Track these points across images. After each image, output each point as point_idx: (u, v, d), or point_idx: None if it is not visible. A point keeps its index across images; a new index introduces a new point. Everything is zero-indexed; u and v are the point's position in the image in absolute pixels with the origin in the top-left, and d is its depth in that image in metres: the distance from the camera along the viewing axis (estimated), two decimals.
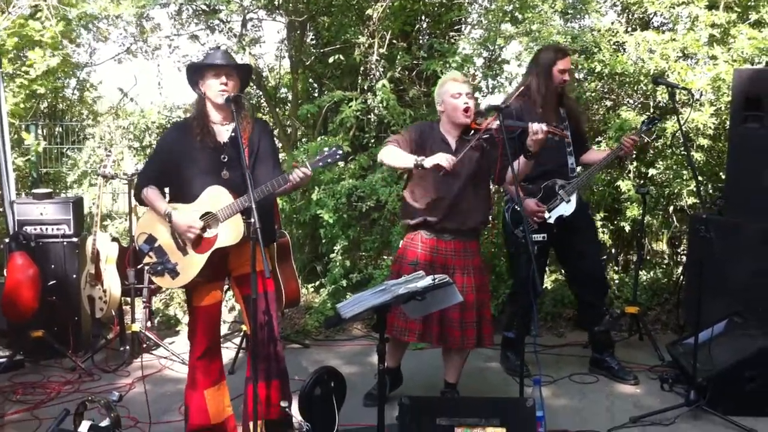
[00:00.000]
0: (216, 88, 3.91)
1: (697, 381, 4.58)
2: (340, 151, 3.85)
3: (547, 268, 6.18)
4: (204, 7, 7.97)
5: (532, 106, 5.13)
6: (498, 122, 4.31)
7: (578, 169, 5.33)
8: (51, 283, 5.72)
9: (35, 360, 5.64)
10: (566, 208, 5.13)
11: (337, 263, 6.70)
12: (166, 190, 4.10)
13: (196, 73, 4.00)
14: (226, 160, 3.93)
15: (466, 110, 4.47)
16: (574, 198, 5.14)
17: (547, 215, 5.07)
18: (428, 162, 4.25)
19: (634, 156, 6.30)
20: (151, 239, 4.00)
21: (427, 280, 3.52)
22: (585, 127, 5.59)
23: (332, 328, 6.31)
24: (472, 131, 4.52)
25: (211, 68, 3.92)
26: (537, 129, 4.24)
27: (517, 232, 5.07)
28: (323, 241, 6.96)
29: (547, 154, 4.90)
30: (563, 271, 5.85)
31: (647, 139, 5.80)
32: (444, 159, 4.24)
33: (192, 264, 3.90)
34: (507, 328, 5.60)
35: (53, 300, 5.70)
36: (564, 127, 5.08)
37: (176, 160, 3.97)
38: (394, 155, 4.45)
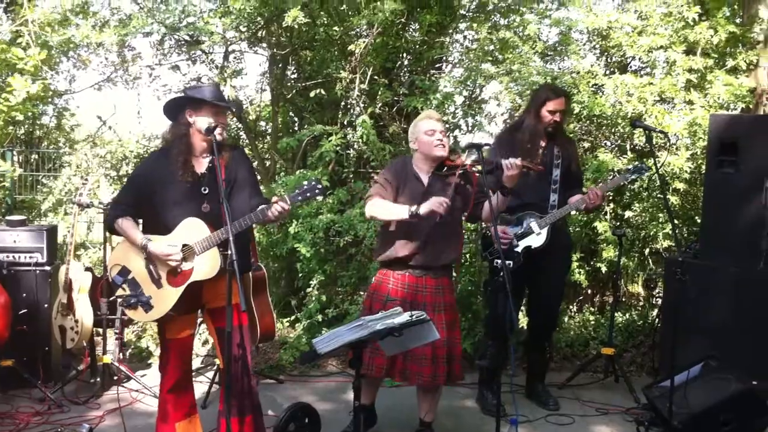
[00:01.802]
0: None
1: (673, 424, 4.56)
2: (320, 186, 3.83)
3: (523, 308, 6.16)
4: (186, 38, 7.97)
5: (520, 142, 5.21)
6: (472, 158, 4.34)
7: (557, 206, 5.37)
8: (22, 311, 5.60)
9: (4, 390, 5.52)
10: (536, 240, 5.19)
11: (313, 298, 6.66)
12: (140, 221, 4.05)
13: (186, 103, 3.94)
14: (206, 192, 3.90)
15: (441, 144, 4.49)
16: (545, 232, 5.19)
17: (514, 242, 5.15)
18: (423, 209, 4.29)
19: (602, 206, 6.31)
20: (124, 271, 3.95)
21: (405, 317, 3.50)
22: (578, 168, 5.61)
23: (307, 364, 6.24)
24: (445, 167, 4.54)
25: (212, 105, 3.88)
26: (510, 164, 4.28)
27: (485, 254, 5.17)
28: (300, 275, 6.91)
29: (529, 188, 5.04)
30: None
31: (624, 182, 5.85)
32: (438, 205, 4.27)
33: (166, 297, 3.86)
34: (481, 357, 5.62)
35: (24, 329, 5.58)
36: (555, 164, 5.21)
37: (153, 190, 3.92)
38: (385, 209, 4.47)
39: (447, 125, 7.30)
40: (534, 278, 5.33)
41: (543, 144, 5.28)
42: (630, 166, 5.66)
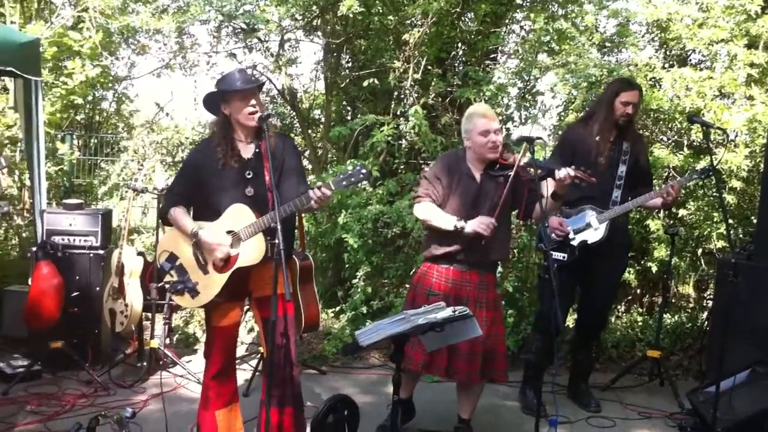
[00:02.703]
0: (245, 112, 3.88)
1: (716, 431, 4.47)
2: (364, 170, 3.80)
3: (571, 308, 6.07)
4: (243, 26, 8.04)
5: (590, 135, 5.15)
6: (525, 160, 4.29)
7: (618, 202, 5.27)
8: (74, 294, 5.74)
9: (52, 371, 5.65)
10: (593, 235, 5.09)
11: (359, 289, 6.68)
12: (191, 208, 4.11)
13: (219, 96, 3.97)
14: (250, 176, 3.92)
15: (494, 147, 4.44)
16: (603, 228, 5.09)
17: (571, 235, 5.06)
18: (469, 227, 4.29)
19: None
20: (172, 257, 4.00)
21: (447, 312, 3.49)
22: (647, 166, 5.51)
23: (350, 356, 6.25)
24: (498, 165, 4.49)
25: (237, 93, 3.90)
26: (563, 176, 4.22)
27: (540, 246, 5.10)
28: (346, 265, 6.94)
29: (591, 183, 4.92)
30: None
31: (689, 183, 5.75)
32: (485, 227, 4.26)
33: (212, 283, 3.89)
34: (527, 350, 5.58)
35: (75, 311, 5.72)
36: (622, 160, 5.15)
37: (202, 178, 3.96)
38: (434, 215, 4.45)
39: (500, 118, 7.24)
40: (587, 274, 5.22)
41: (612, 138, 5.17)
42: (698, 168, 5.54)
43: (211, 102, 4.02)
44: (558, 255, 5.04)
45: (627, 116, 5.12)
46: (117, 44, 8.56)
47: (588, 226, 5.09)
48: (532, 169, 4.30)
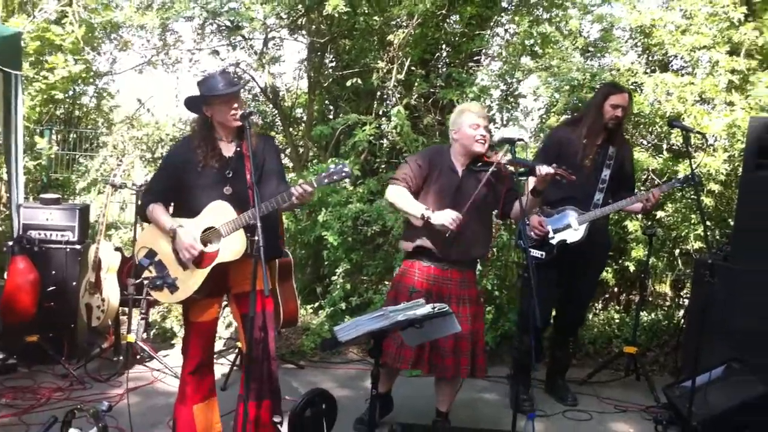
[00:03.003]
0: (227, 114, 3.88)
1: (692, 424, 4.52)
2: (347, 169, 3.80)
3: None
4: (227, 23, 8.02)
5: (578, 137, 5.17)
6: (507, 158, 4.33)
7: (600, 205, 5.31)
8: (50, 288, 5.71)
9: (28, 365, 5.61)
10: (573, 235, 5.12)
11: (338, 286, 6.69)
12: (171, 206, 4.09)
13: (198, 98, 3.97)
14: (230, 175, 3.92)
15: (483, 140, 4.47)
16: (583, 228, 5.12)
17: (550, 234, 5.10)
18: (435, 219, 4.29)
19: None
20: (151, 253, 3.98)
21: (427, 308, 3.49)
22: (631, 172, 5.54)
23: (328, 351, 6.26)
24: (480, 163, 4.51)
25: (220, 97, 3.88)
26: (544, 173, 4.24)
27: (519, 243, 5.12)
28: (326, 262, 6.94)
29: (574, 184, 4.92)
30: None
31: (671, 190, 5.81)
32: (450, 220, 4.26)
33: (192, 279, 3.88)
34: (513, 348, 5.62)
35: (51, 306, 5.69)
36: (606, 164, 5.19)
37: (181, 176, 3.95)
38: (403, 200, 4.46)
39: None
40: (567, 273, 5.26)
41: (599, 142, 5.20)
42: (680, 176, 5.60)
43: (193, 103, 4.01)
44: (536, 253, 5.10)
45: (616, 119, 5.15)
46: (99, 39, 8.51)
47: (568, 226, 5.12)
48: (512, 167, 4.35)
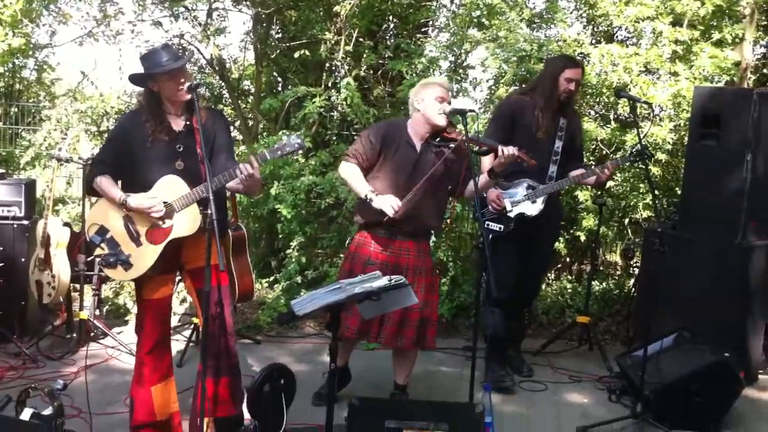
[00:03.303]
0: (175, 89, 3.79)
1: (644, 393, 4.61)
2: (299, 140, 3.76)
3: None
4: None
5: (532, 108, 5.18)
6: (470, 134, 4.30)
7: (554, 177, 5.35)
8: None
9: None
10: (530, 208, 5.16)
11: (293, 259, 6.66)
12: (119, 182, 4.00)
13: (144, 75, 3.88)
14: (181, 149, 3.86)
15: (444, 115, 4.44)
16: (540, 201, 5.17)
17: (508, 207, 5.11)
18: (376, 203, 4.27)
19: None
20: (102, 230, 3.90)
21: (383, 281, 3.49)
22: (581, 144, 5.61)
23: (285, 325, 6.26)
24: (439, 138, 4.49)
25: (164, 73, 3.79)
26: (509, 154, 4.26)
27: (477, 216, 5.07)
28: (280, 236, 6.92)
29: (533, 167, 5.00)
30: None
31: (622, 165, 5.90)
32: (390, 207, 4.24)
33: (146, 255, 3.83)
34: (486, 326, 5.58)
35: (0, 283, 5.57)
36: (558, 135, 5.22)
37: (130, 149, 3.87)
38: (352, 178, 4.46)
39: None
40: (524, 246, 5.28)
41: (551, 114, 5.20)
42: (632, 150, 5.70)
43: (138, 78, 3.92)
44: (494, 226, 5.13)
45: (569, 92, 5.17)
46: (38, 12, 8.28)
47: (525, 198, 5.15)
48: (474, 145, 4.35)
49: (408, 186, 4.37)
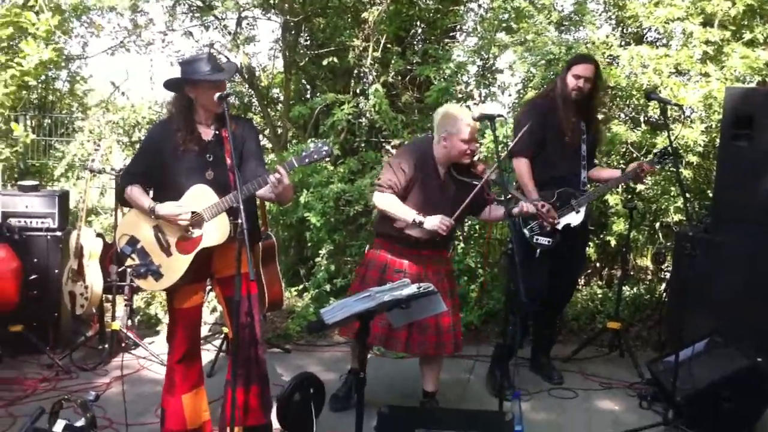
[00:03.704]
0: (212, 99, 3.77)
1: (676, 400, 4.56)
2: (327, 147, 3.77)
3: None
4: (199, 3, 7.93)
5: (554, 110, 5.16)
6: (493, 176, 4.40)
7: (587, 182, 5.34)
8: (33, 277, 5.66)
9: (13, 355, 5.56)
10: (575, 218, 5.16)
11: (322, 267, 6.68)
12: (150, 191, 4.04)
13: (183, 80, 3.89)
14: (211, 159, 3.88)
15: (471, 154, 4.50)
16: (583, 210, 5.17)
17: (557, 219, 5.05)
18: (427, 224, 4.31)
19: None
20: (133, 241, 3.95)
21: (412, 288, 3.49)
22: (601, 146, 5.62)
23: (314, 334, 6.27)
24: (463, 171, 4.54)
25: (208, 82, 3.81)
26: (526, 209, 4.35)
27: (526, 230, 5.10)
28: (309, 244, 6.94)
29: (563, 163, 5.08)
30: None
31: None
32: (442, 227, 4.28)
33: (176, 265, 3.86)
34: (501, 333, 5.56)
35: (34, 294, 5.65)
36: (582, 139, 5.23)
37: (161, 158, 3.91)
38: (394, 206, 4.46)
39: (460, 95, 7.27)
40: (562, 254, 5.24)
41: (573, 116, 5.16)
42: (656, 152, 5.65)
43: (175, 83, 3.93)
44: (543, 240, 5.08)
45: (578, 90, 5.12)
46: (70, 23, 8.39)
47: (570, 208, 5.13)
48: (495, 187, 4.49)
49: (430, 212, 4.39)
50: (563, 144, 5.06)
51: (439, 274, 4.57)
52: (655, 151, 6.44)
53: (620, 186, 6.77)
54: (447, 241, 4.75)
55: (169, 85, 3.97)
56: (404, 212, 4.42)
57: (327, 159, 3.85)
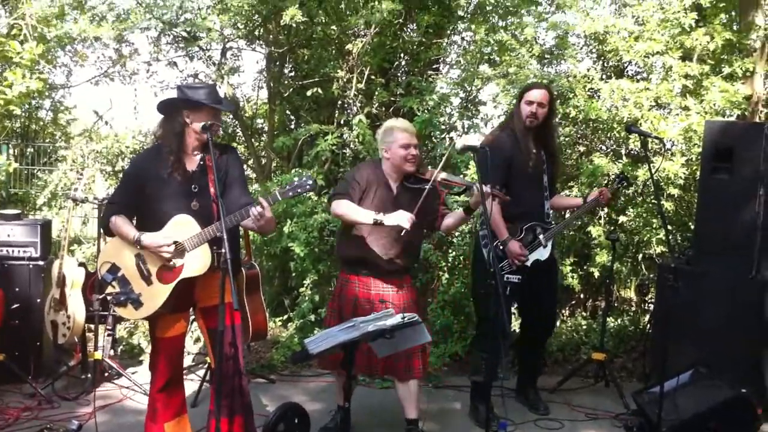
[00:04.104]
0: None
1: (662, 430, 4.56)
2: (311, 181, 3.78)
3: (514, 311, 6.15)
4: (184, 34, 7.97)
5: (514, 142, 5.14)
6: (441, 175, 4.45)
7: (551, 213, 5.36)
8: (14, 306, 5.60)
9: None
10: (543, 252, 5.18)
11: (306, 297, 6.66)
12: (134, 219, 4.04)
13: (184, 103, 3.90)
14: (196, 190, 3.89)
15: (413, 160, 4.54)
16: (550, 244, 5.19)
17: (527, 256, 5.09)
18: (388, 221, 4.31)
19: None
20: (114, 269, 3.94)
21: (397, 319, 3.52)
22: (558, 173, 5.63)
23: (299, 364, 6.24)
24: (413, 178, 4.59)
25: (211, 108, 3.86)
26: (487, 192, 4.31)
27: (496, 270, 5.08)
28: (293, 274, 6.92)
29: (527, 196, 5.05)
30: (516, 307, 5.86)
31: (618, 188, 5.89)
32: (405, 220, 4.28)
33: (156, 294, 3.85)
34: (474, 371, 5.51)
35: (16, 324, 5.59)
36: (543, 170, 5.22)
37: (144, 187, 3.90)
38: (350, 210, 4.47)
39: (443, 127, 7.32)
40: (533, 287, 5.21)
41: (534, 150, 5.15)
42: (615, 177, 5.71)
43: (170, 105, 3.95)
44: (513, 278, 5.03)
45: (533, 116, 5.09)
46: (54, 52, 8.41)
47: (538, 244, 5.15)
48: (447, 184, 4.50)
49: (386, 228, 4.44)
50: (527, 175, 5.08)
51: (405, 302, 4.60)
52: (640, 184, 6.53)
53: (602, 219, 6.85)
54: (407, 268, 4.77)
55: (164, 106, 3.98)
56: (362, 214, 4.42)
57: (310, 192, 3.87)
